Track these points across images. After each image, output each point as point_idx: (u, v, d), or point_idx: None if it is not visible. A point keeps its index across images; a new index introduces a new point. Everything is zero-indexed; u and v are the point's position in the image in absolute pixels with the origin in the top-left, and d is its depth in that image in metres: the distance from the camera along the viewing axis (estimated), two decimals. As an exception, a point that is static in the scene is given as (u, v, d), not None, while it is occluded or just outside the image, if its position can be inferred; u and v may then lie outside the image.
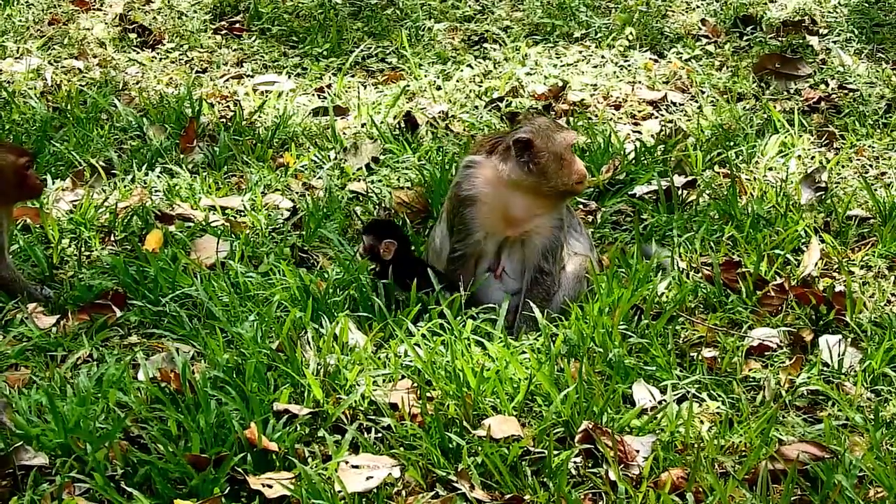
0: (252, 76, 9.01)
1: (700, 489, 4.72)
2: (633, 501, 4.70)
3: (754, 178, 7.41)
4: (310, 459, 4.86)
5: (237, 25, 9.81)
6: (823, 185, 7.27)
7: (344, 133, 8.01)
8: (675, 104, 8.58)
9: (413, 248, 6.23)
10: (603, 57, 9.18)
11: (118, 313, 5.85)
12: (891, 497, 4.68)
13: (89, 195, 6.95)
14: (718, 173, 7.48)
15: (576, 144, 5.99)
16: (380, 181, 7.33)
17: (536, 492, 4.71)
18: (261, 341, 5.45)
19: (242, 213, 6.91)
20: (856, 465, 4.80)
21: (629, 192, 7.18)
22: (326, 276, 6.04)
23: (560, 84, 8.71)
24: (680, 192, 7.11)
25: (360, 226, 6.64)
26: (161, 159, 7.49)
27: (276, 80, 8.84)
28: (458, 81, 8.79)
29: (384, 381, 5.32)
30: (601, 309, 5.70)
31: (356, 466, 4.79)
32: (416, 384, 5.23)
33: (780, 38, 9.52)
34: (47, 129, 7.79)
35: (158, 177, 7.29)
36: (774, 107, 8.33)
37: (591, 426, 4.95)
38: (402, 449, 4.91)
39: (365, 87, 8.77)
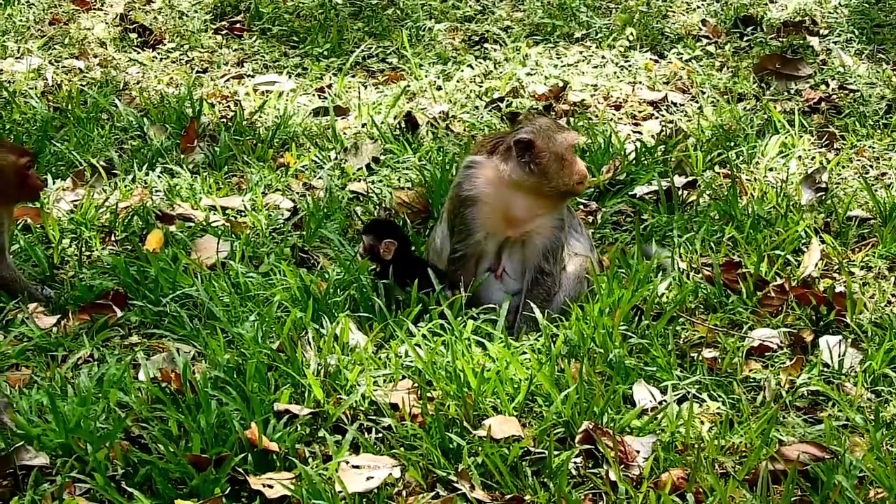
0: (253, 76, 9.01)
1: (700, 490, 4.72)
2: (633, 502, 4.70)
3: (755, 179, 7.41)
4: (310, 460, 4.86)
5: (238, 25, 9.81)
6: (824, 185, 7.27)
7: (344, 133, 8.01)
8: (675, 104, 8.58)
9: (413, 247, 6.23)
10: (603, 57, 9.18)
11: (119, 313, 5.86)
12: (891, 498, 4.68)
13: (90, 195, 6.95)
14: (719, 174, 7.48)
15: (576, 145, 5.99)
16: (380, 181, 7.34)
17: (537, 492, 4.71)
18: (261, 341, 5.46)
19: (243, 214, 6.91)
20: (856, 465, 4.80)
21: (629, 193, 7.18)
22: (327, 276, 6.05)
23: (560, 84, 8.71)
24: (680, 193, 7.11)
25: (361, 226, 6.64)
26: (162, 159, 7.50)
27: (277, 80, 8.85)
28: (458, 82, 8.80)
29: (385, 381, 5.32)
30: (601, 309, 5.70)
31: (357, 466, 4.79)
32: (416, 384, 5.24)
33: (780, 39, 9.52)
34: (48, 129, 7.79)
35: (159, 177, 7.29)
36: (775, 107, 8.34)
37: (591, 426, 4.96)
38: (402, 449, 4.91)
39: (365, 88, 8.77)
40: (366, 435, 5.02)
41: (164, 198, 7.05)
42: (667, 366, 5.45)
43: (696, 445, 4.95)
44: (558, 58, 9.20)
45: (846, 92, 8.67)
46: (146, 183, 7.23)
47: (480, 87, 8.73)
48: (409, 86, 8.71)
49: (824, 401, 5.39)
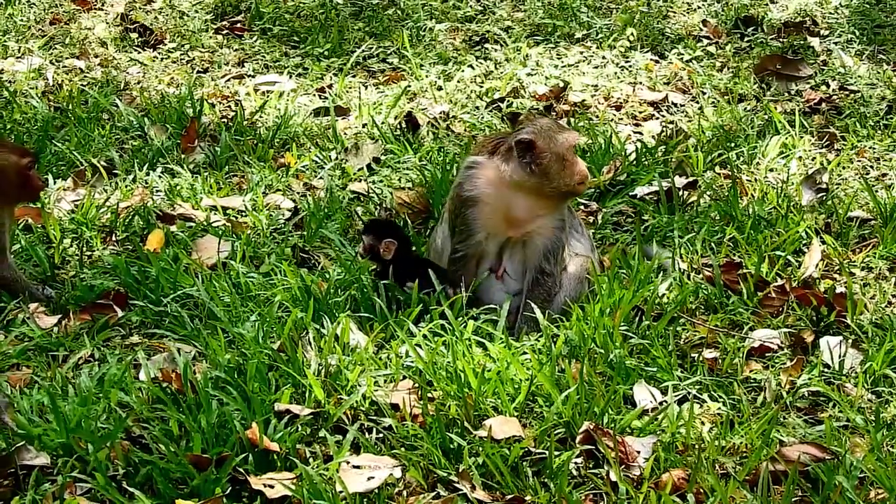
0: (253, 76, 9.01)
1: (701, 490, 4.72)
2: (633, 502, 4.70)
3: (755, 180, 7.41)
4: (311, 460, 4.86)
5: (238, 25, 9.81)
6: (824, 186, 7.28)
7: (345, 133, 8.01)
8: (675, 105, 8.59)
9: (413, 247, 6.24)
10: (604, 58, 9.18)
11: (120, 313, 5.86)
12: (892, 498, 4.68)
13: (91, 195, 6.96)
14: (719, 174, 7.48)
15: (577, 145, 5.99)
16: (381, 181, 7.34)
17: (537, 492, 4.71)
18: (262, 341, 5.46)
19: (244, 214, 6.92)
20: (857, 466, 4.81)
21: (630, 193, 7.18)
22: (328, 276, 6.05)
23: (561, 85, 8.72)
24: (681, 193, 7.12)
25: (361, 226, 6.64)
26: (162, 159, 7.50)
27: (278, 80, 8.85)
28: (459, 82, 8.80)
29: (385, 381, 5.32)
30: (602, 310, 5.70)
31: (357, 467, 4.79)
32: (417, 385, 5.24)
33: (781, 40, 9.52)
34: (49, 129, 7.79)
35: (160, 177, 7.30)
36: (775, 108, 8.34)
37: (592, 427, 4.96)
38: (403, 449, 4.91)
39: (366, 88, 8.77)
40: (366, 435, 5.02)
41: (165, 198, 7.05)
42: (667, 366, 5.46)
43: (697, 446, 4.95)
44: (559, 58, 9.20)
45: (847, 93, 8.68)
46: (147, 183, 7.23)
47: (481, 87, 8.73)
48: (409, 86, 8.71)
49: (825, 401, 5.40)
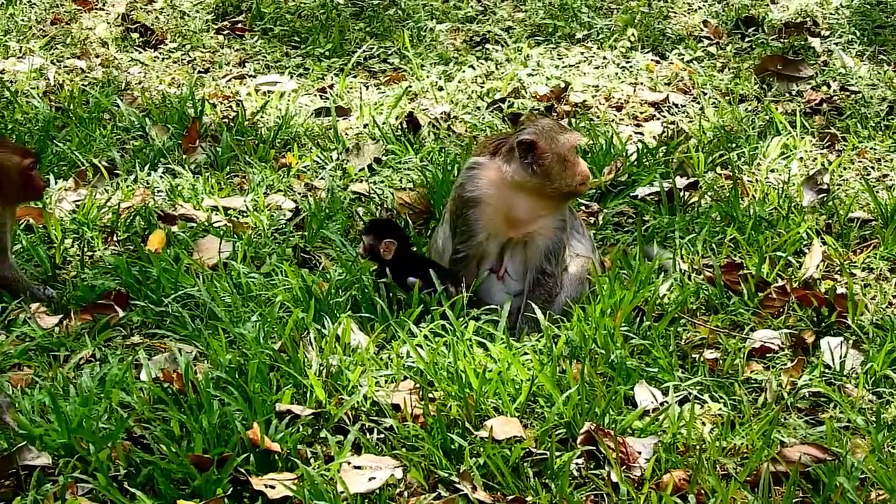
0: (254, 76, 9.02)
1: (702, 491, 4.73)
2: (634, 503, 4.70)
3: (756, 180, 7.41)
4: (312, 460, 4.87)
5: (239, 25, 9.81)
6: (825, 187, 7.28)
7: (346, 134, 8.01)
8: (676, 105, 8.59)
9: (414, 247, 6.24)
10: (605, 58, 9.18)
11: (121, 313, 5.86)
12: (893, 499, 4.68)
13: (92, 195, 6.96)
14: (720, 175, 7.49)
15: (578, 146, 6.00)
16: (382, 182, 7.34)
17: (538, 493, 4.72)
18: (263, 342, 5.46)
19: (245, 214, 6.92)
20: (857, 467, 4.81)
21: (631, 194, 7.19)
22: (329, 276, 6.05)
23: (562, 85, 8.72)
24: (682, 194, 7.12)
25: (362, 226, 6.64)
26: (164, 159, 7.50)
27: (279, 81, 8.85)
28: (459, 82, 8.80)
29: (386, 381, 5.32)
30: (603, 310, 5.70)
31: (358, 467, 4.79)
32: (418, 385, 5.24)
33: (781, 40, 9.52)
34: (50, 129, 7.80)
35: (161, 177, 7.30)
36: (776, 108, 8.34)
37: (593, 427, 4.96)
38: (404, 450, 4.91)
39: (367, 88, 8.78)
40: (367, 435, 5.03)
41: (166, 198, 7.06)
42: (668, 367, 5.46)
43: (698, 447, 4.95)
44: (560, 58, 9.20)
45: (847, 93, 8.68)
46: (148, 183, 7.24)
47: (482, 87, 8.73)
48: (410, 86, 8.71)
49: (826, 402, 5.40)
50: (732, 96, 8.58)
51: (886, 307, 6.11)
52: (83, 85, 8.63)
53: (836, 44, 9.45)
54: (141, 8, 10.05)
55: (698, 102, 8.60)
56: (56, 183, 7.17)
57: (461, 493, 4.71)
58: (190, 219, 6.82)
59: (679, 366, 5.53)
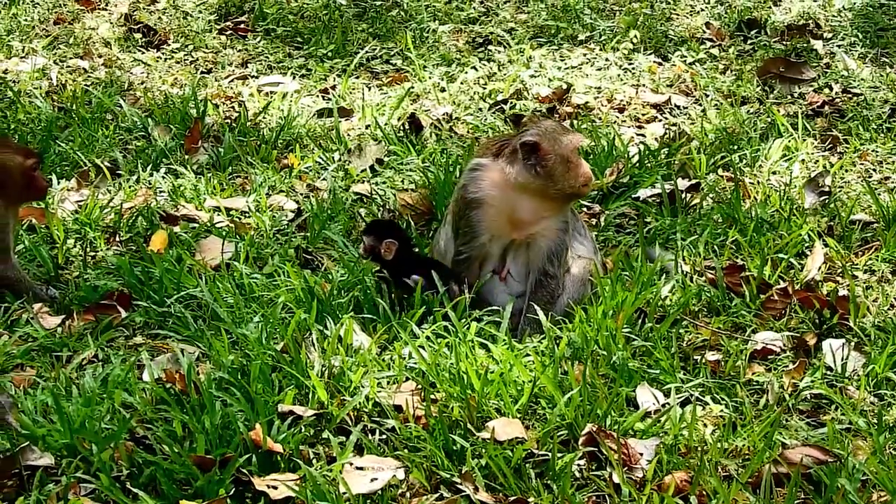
0: (257, 77, 9.02)
1: (703, 492, 4.73)
2: (636, 504, 4.71)
3: (758, 182, 7.42)
4: (314, 461, 4.87)
5: (242, 26, 9.82)
6: (827, 189, 7.28)
7: (348, 134, 8.02)
8: (678, 107, 8.59)
9: (416, 248, 6.24)
10: (607, 60, 9.19)
11: (123, 314, 5.87)
12: (894, 501, 4.69)
13: (94, 195, 6.96)
14: (722, 177, 7.49)
15: (581, 147, 6.00)
16: (384, 183, 7.34)
17: (540, 494, 4.72)
18: (265, 342, 5.46)
19: (247, 215, 6.93)
20: (859, 468, 4.81)
21: (633, 196, 7.19)
22: (331, 277, 6.05)
23: (564, 87, 8.72)
24: (683, 196, 7.12)
25: (363, 227, 6.64)
26: (166, 160, 7.51)
27: (281, 81, 8.86)
28: (462, 83, 8.81)
29: (388, 382, 5.33)
30: (605, 312, 5.71)
31: (360, 468, 4.79)
32: (420, 386, 5.25)
33: (784, 42, 9.53)
34: (52, 129, 7.80)
35: (163, 177, 7.31)
36: (778, 111, 8.35)
37: (594, 429, 4.96)
38: (406, 451, 4.92)
39: (369, 89, 8.78)
40: (370, 436, 5.03)
41: (169, 198, 7.07)
42: (670, 368, 5.46)
43: (700, 448, 4.95)
44: (562, 60, 9.21)
45: (850, 95, 8.68)
46: (150, 183, 7.24)
47: (484, 88, 8.74)
48: (412, 87, 8.72)
49: (827, 404, 5.40)
50: (734, 98, 8.59)
51: (888, 309, 6.11)
52: (86, 85, 8.64)
53: (839, 46, 9.46)
54: (144, 8, 10.06)
55: (700, 104, 8.61)
56: (58, 183, 7.18)
57: (463, 493, 4.72)
58: (192, 219, 6.83)
59: (681, 367, 5.53)
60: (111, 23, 9.80)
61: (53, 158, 7.45)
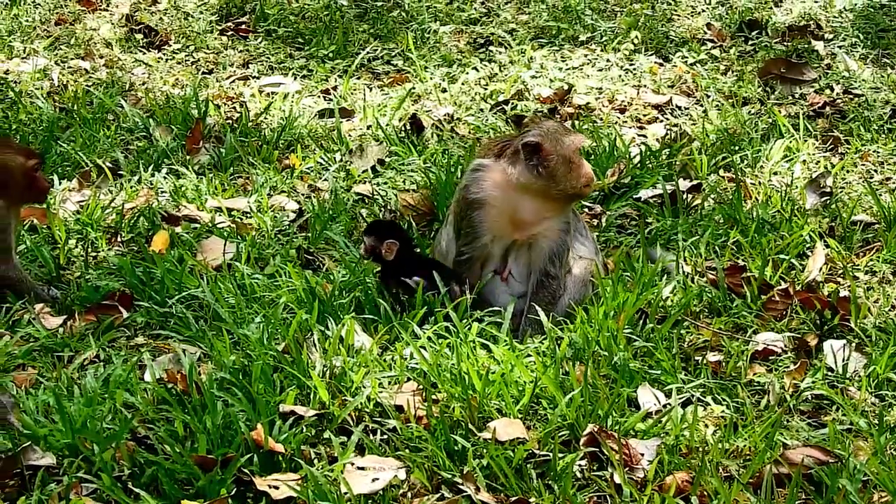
0: (258, 77, 9.03)
1: (705, 493, 4.73)
2: (637, 505, 4.72)
3: (759, 183, 7.42)
4: (316, 461, 4.87)
5: (243, 27, 9.82)
6: (828, 189, 7.29)
7: (350, 135, 8.02)
8: (680, 108, 8.59)
9: (418, 248, 6.25)
10: (608, 60, 9.19)
11: (125, 314, 5.87)
12: (895, 502, 4.69)
13: (96, 196, 6.97)
14: (723, 178, 7.49)
15: (582, 148, 6.01)
16: (385, 183, 7.35)
17: (541, 494, 4.72)
18: (267, 343, 5.47)
19: (248, 215, 6.93)
20: (860, 469, 4.82)
21: (634, 196, 7.19)
22: (332, 278, 6.06)
23: (565, 87, 8.73)
24: (685, 197, 7.12)
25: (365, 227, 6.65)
26: (167, 160, 7.51)
27: (282, 82, 8.86)
28: (463, 84, 8.81)
29: (390, 383, 5.33)
30: (606, 313, 5.71)
31: (362, 468, 4.80)
32: (421, 386, 5.25)
33: (785, 43, 9.53)
34: (54, 130, 7.81)
35: (165, 178, 7.31)
36: (779, 111, 8.35)
37: (596, 429, 4.97)
38: (407, 451, 4.92)
39: (371, 90, 8.79)
40: (371, 437, 5.03)
41: (170, 199, 7.07)
42: (671, 369, 5.46)
43: (701, 448, 4.96)
44: (563, 61, 9.21)
45: (851, 96, 8.69)
46: (152, 184, 7.25)
47: (485, 89, 8.74)
48: (414, 88, 8.72)
49: (828, 405, 5.40)
50: (736, 99, 8.59)
51: (889, 310, 6.11)
52: (87, 86, 8.64)
53: (840, 47, 9.46)
54: (145, 9, 10.07)
55: (701, 105, 8.61)
56: (60, 183, 7.18)
57: (464, 493, 4.72)
58: (194, 220, 6.83)
59: (682, 368, 5.54)
60: (112, 23, 9.80)
61: (55, 159, 7.46)
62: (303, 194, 7.25)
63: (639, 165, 7.46)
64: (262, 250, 6.48)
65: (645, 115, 8.50)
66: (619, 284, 5.92)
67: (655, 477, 4.82)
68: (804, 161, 7.72)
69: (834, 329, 5.92)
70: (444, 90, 8.72)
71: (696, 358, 5.64)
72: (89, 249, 6.51)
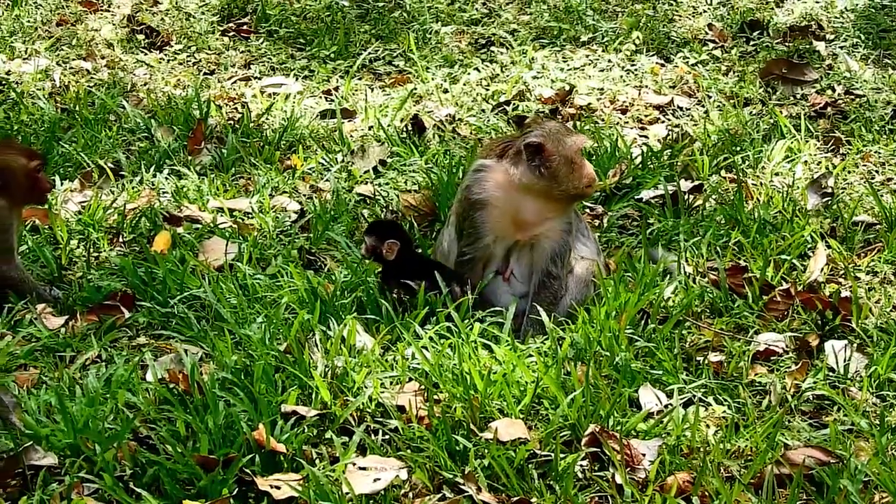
0: (260, 78, 9.03)
1: (706, 493, 4.73)
2: (639, 505, 4.72)
3: (760, 184, 7.42)
4: (317, 461, 4.88)
5: (245, 27, 9.83)
6: (830, 190, 7.29)
7: (351, 136, 8.03)
8: (681, 109, 8.60)
9: (419, 249, 6.25)
10: (610, 61, 9.19)
11: (127, 314, 5.88)
12: (896, 502, 4.70)
13: (98, 196, 6.97)
14: (725, 178, 7.50)
15: (584, 148, 6.01)
16: (387, 184, 7.35)
17: (543, 494, 4.73)
18: (269, 343, 5.47)
19: (250, 216, 6.93)
20: (861, 470, 4.82)
21: (636, 197, 7.19)
22: (334, 278, 6.06)
23: (567, 88, 8.73)
24: (686, 197, 7.12)
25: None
26: (169, 161, 7.52)
27: (284, 83, 8.86)
28: (465, 84, 8.81)
29: (391, 383, 5.33)
30: (608, 313, 5.71)
31: (364, 468, 4.80)
32: (423, 387, 5.25)
33: (786, 44, 9.53)
34: (56, 130, 7.81)
35: (166, 178, 7.31)
36: (781, 112, 8.35)
37: (597, 429, 4.97)
38: (409, 451, 4.93)
39: (372, 90, 8.79)
40: (373, 437, 5.04)
41: (172, 199, 7.07)
42: (673, 369, 5.47)
43: (702, 449, 4.96)
44: (564, 61, 9.21)
45: (852, 97, 8.68)
46: (154, 184, 7.25)
47: (487, 90, 8.75)
48: (415, 88, 8.73)
49: (830, 405, 5.41)
50: (737, 99, 8.59)
51: (890, 310, 6.12)
52: (89, 86, 8.65)
53: (841, 47, 9.46)
54: (146, 9, 10.07)
55: (703, 106, 8.61)
56: (62, 184, 7.19)
57: (466, 494, 4.72)
58: (195, 220, 6.84)
59: (683, 368, 5.54)
60: (114, 24, 9.81)
61: (57, 159, 7.46)
62: (304, 195, 7.25)
63: (640, 166, 7.46)
64: (263, 251, 6.48)
65: (646, 116, 8.50)
66: (620, 285, 5.92)
67: (657, 477, 4.82)
68: (805, 162, 7.73)
69: (835, 329, 5.92)
70: (445, 91, 8.73)
71: (698, 358, 5.64)
72: (91, 250, 6.51)
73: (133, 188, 7.17)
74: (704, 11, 10.11)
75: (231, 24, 9.86)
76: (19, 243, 6.20)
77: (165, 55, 9.38)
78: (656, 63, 9.20)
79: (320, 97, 8.70)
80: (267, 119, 8.26)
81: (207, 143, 7.79)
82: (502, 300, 5.86)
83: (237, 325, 5.67)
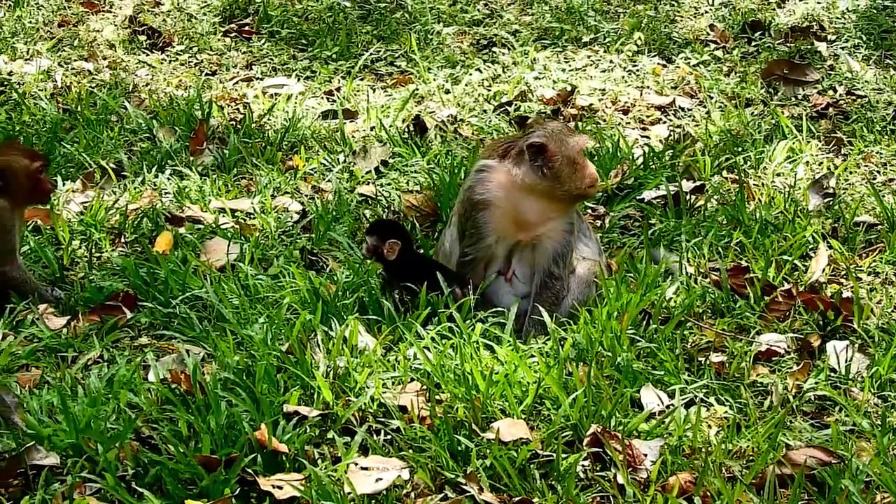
0: (261, 79, 9.04)
1: (708, 493, 4.73)
2: (641, 505, 4.72)
3: (762, 184, 7.42)
4: (319, 461, 4.88)
5: (246, 28, 9.83)
6: (831, 191, 7.29)
7: (353, 136, 8.03)
8: (683, 109, 8.60)
9: (421, 249, 6.25)
10: (611, 62, 9.19)
11: (129, 315, 5.88)
12: (898, 502, 4.70)
13: (99, 197, 6.98)
14: (726, 178, 7.50)
15: (586, 149, 6.01)
16: (389, 184, 7.35)
17: (545, 495, 4.73)
18: (271, 343, 5.47)
19: (252, 216, 6.93)
20: (863, 470, 4.82)
21: (637, 197, 7.19)
22: (336, 278, 6.06)
23: (568, 88, 8.73)
24: (688, 198, 7.12)
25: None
26: (171, 161, 7.52)
27: (286, 83, 8.87)
28: (466, 85, 8.81)
29: (393, 383, 5.34)
30: (610, 313, 5.71)
31: (366, 468, 4.80)
32: (425, 387, 5.25)
33: (788, 44, 9.53)
34: (57, 131, 7.82)
35: (168, 179, 7.32)
36: (782, 112, 8.35)
37: (599, 430, 4.97)
38: (411, 451, 4.93)
39: (374, 91, 8.79)
40: (375, 437, 5.04)
41: (174, 200, 7.08)
42: (674, 370, 5.47)
43: (704, 449, 4.96)
44: (566, 62, 9.22)
45: (854, 97, 8.69)
46: (155, 185, 7.26)
47: (489, 90, 8.75)
48: (417, 89, 8.73)
49: (831, 406, 5.41)
50: (739, 100, 8.59)
51: (892, 311, 6.12)
52: (91, 87, 8.65)
53: (843, 48, 9.46)
54: (148, 10, 10.08)
55: (704, 106, 8.61)
56: (64, 184, 7.19)
57: (468, 494, 4.72)
58: (197, 221, 6.84)
59: (685, 369, 5.54)
60: (115, 25, 9.82)
61: (59, 160, 7.47)
62: (306, 195, 7.25)
63: (642, 166, 7.47)
64: (265, 251, 6.49)
65: (648, 117, 8.51)
66: (622, 285, 5.92)
67: (658, 477, 4.82)
68: (807, 162, 7.73)
69: (837, 330, 5.92)
70: (447, 91, 8.73)
71: (700, 359, 5.64)
72: (93, 250, 6.52)
73: (135, 189, 7.18)
74: (706, 12, 10.12)
75: (233, 25, 9.87)
76: (21, 244, 6.20)
77: (167, 56, 9.39)
78: (658, 64, 9.20)
79: (322, 98, 8.71)
80: (269, 120, 8.27)
81: (209, 143, 7.80)
82: (504, 300, 5.86)
83: (239, 326, 5.67)
